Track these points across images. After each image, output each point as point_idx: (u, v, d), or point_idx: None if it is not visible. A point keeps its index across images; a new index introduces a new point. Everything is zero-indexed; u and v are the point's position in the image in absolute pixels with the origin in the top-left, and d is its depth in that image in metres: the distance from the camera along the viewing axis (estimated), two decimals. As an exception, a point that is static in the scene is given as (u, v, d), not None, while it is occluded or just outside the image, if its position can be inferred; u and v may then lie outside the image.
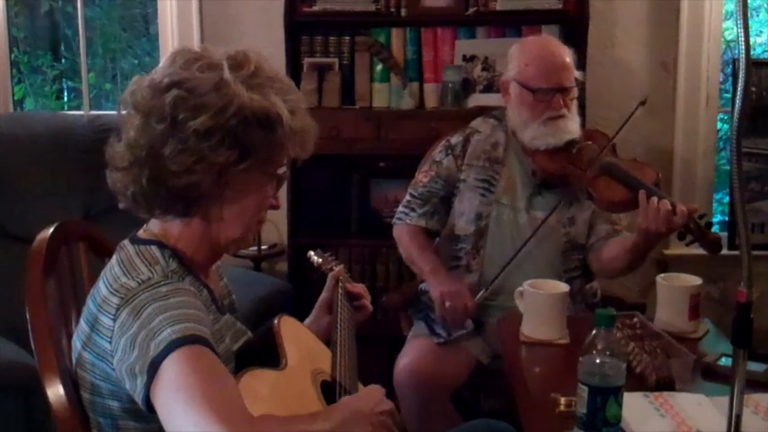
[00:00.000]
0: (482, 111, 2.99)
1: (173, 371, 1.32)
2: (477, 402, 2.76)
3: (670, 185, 3.64)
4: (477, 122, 2.82)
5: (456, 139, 2.77)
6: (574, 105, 2.66)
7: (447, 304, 2.55)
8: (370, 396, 1.58)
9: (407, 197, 2.82)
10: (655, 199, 2.32)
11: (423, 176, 2.80)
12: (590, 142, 2.65)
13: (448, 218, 2.77)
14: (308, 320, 1.99)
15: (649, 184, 2.42)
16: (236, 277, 2.17)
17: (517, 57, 2.69)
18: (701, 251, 2.37)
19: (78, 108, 4.29)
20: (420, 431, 2.56)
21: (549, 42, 2.73)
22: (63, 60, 4.97)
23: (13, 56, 4.30)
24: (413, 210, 2.77)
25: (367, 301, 2.08)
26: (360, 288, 2.09)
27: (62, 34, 4.95)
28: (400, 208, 2.83)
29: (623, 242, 2.54)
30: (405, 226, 2.79)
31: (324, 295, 2.04)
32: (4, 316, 2.44)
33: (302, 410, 1.49)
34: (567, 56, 2.66)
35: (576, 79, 2.65)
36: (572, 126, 2.63)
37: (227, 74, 1.48)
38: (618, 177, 2.51)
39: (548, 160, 2.62)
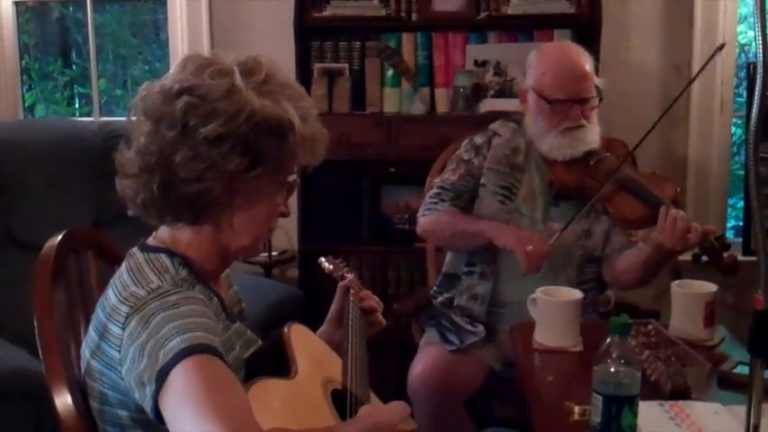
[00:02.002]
0: (494, 116, 2.96)
1: (181, 380, 1.30)
2: (489, 410, 2.73)
3: (684, 190, 3.62)
4: (496, 125, 2.76)
5: (480, 139, 2.72)
6: (594, 115, 2.60)
7: (529, 248, 2.44)
8: (395, 412, 1.55)
9: (435, 190, 2.71)
10: (672, 214, 2.30)
11: (451, 174, 2.72)
12: (608, 154, 2.60)
13: None
14: (319, 332, 1.97)
15: (667, 201, 2.40)
16: (247, 284, 2.16)
17: (535, 65, 2.64)
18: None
19: (89, 114, 4.30)
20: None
21: (569, 50, 2.66)
22: (74, 67, 4.98)
23: (23, 62, 4.32)
24: (443, 201, 2.68)
25: (380, 314, 2.06)
26: (372, 302, 2.05)
27: (73, 40, 4.95)
28: (427, 200, 2.72)
29: (638, 254, 2.50)
30: (437, 212, 2.68)
31: (334, 307, 2.02)
32: (14, 323, 2.44)
33: (312, 419, 1.48)
34: (587, 64, 2.60)
35: (596, 87, 2.60)
36: (591, 137, 2.59)
37: (238, 80, 1.47)
38: (635, 193, 2.48)
39: (565, 172, 2.58)
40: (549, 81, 2.57)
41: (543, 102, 2.57)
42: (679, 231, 2.29)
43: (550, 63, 2.60)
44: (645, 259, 2.45)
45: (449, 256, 2.80)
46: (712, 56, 2.51)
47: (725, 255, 2.33)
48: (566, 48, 2.71)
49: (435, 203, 2.70)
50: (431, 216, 2.70)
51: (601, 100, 2.62)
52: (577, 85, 2.56)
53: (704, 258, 2.33)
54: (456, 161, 2.75)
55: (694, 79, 2.54)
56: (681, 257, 3.51)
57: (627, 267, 2.54)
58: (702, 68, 2.56)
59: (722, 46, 2.57)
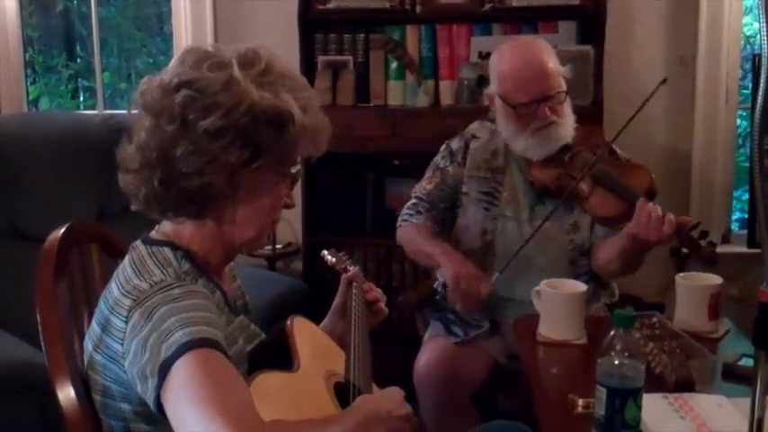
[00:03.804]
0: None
1: (183, 373, 1.30)
2: (494, 402, 2.73)
3: (689, 181, 3.61)
4: (474, 127, 2.74)
5: (456, 144, 2.70)
6: (565, 107, 2.55)
7: (462, 286, 2.43)
8: (389, 398, 1.56)
9: (413, 200, 2.72)
10: (648, 207, 2.28)
11: (427, 183, 2.71)
12: (582, 147, 2.56)
13: (450, 230, 2.70)
14: (322, 324, 1.97)
15: (641, 194, 2.38)
16: (251, 276, 2.16)
17: (496, 68, 2.59)
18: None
19: (94, 107, 4.30)
20: (440, 430, 2.54)
21: (526, 48, 2.58)
22: (78, 60, 4.98)
23: (27, 55, 4.32)
24: (419, 212, 2.69)
25: (383, 304, 2.06)
26: (376, 293, 2.06)
27: (77, 33, 4.96)
28: (404, 211, 2.74)
29: (616, 245, 2.47)
30: (410, 224, 2.70)
31: (338, 300, 2.02)
32: (19, 317, 2.43)
33: (315, 413, 1.47)
34: (549, 60, 2.52)
35: (564, 78, 2.54)
36: (563, 132, 2.54)
37: (236, 72, 1.46)
38: (611, 188, 2.45)
39: (541, 170, 2.55)
40: (510, 85, 2.52)
41: (508, 106, 2.53)
42: (653, 222, 2.26)
43: (509, 66, 2.54)
44: (622, 250, 2.42)
45: None
46: (657, 87, 2.45)
47: (703, 243, 2.29)
48: (523, 46, 2.64)
49: (411, 215, 2.70)
50: (403, 229, 2.71)
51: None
52: (539, 84, 2.49)
53: (684, 250, 2.31)
54: (432, 168, 2.74)
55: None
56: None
57: (608, 258, 2.52)
58: (648, 98, 2.46)
59: (664, 80, 2.50)
